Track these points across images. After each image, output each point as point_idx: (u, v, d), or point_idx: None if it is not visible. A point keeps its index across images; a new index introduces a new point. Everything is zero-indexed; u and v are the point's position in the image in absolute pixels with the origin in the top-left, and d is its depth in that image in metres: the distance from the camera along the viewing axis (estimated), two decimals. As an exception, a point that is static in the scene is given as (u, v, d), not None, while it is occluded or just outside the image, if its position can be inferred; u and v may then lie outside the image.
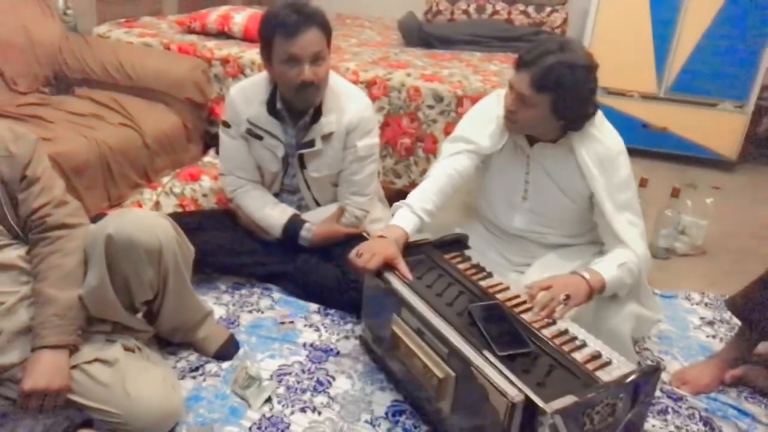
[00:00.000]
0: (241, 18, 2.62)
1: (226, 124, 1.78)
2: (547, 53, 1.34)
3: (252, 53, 2.43)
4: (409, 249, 1.44)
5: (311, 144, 1.71)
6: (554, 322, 1.26)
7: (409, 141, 2.27)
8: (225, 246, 1.76)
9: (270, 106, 1.70)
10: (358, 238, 1.77)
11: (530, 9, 3.37)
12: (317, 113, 1.69)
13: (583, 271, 1.38)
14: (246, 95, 1.74)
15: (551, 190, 1.53)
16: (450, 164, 1.54)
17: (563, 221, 1.56)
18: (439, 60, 2.59)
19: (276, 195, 1.85)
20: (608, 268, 1.39)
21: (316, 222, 1.77)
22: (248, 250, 1.79)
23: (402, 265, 1.35)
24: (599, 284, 1.37)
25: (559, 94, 1.34)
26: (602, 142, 1.45)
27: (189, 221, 1.72)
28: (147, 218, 1.31)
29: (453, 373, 1.15)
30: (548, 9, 3.37)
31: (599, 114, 1.47)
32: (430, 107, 2.23)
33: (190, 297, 1.44)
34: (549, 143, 1.49)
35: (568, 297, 1.30)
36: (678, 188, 2.25)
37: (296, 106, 1.68)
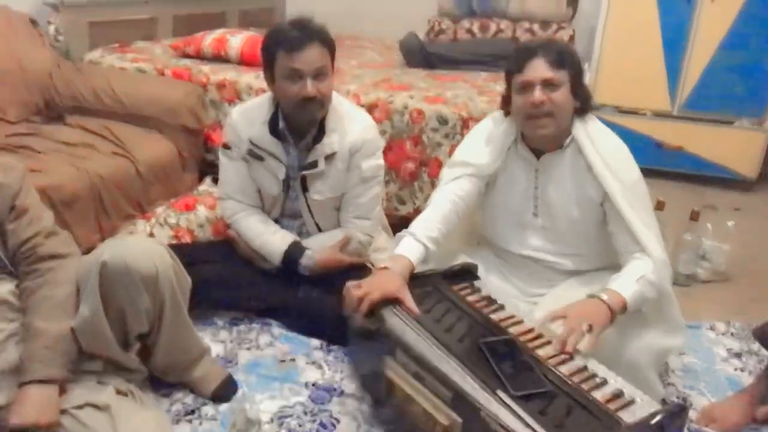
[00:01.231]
0: (238, 41, 2.65)
1: (227, 146, 1.80)
2: (539, 42, 1.47)
3: (249, 77, 2.46)
4: (416, 280, 1.43)
5: (314, 165, 1.72)
6: (572, 358, 1.24)
7: (413, 166, 2.28)
8: (222, 278, 1.75)
9: (272, 126, 1.73)
10: (362, 268, 1.76)
11: (535, 26, 3.41)
12: (320, 133, 1.71)
13: (600, 293, 1.36)
14: (248, 116, 1.77)
15: (563, 201, 1.54)
16: (452, 189, 1.56)
17: (578, 236, 1.56)
18: (442, 81, 2.61)
19: (276, 221, 1.86)
20: (627, 284, 1.38)
21: (318, 249, 1.77)
22: (247, 282, 1.78)
23: (407, 299, 1.34)
24: (620, 305, 1.35)
25: (573, 67, 1.45)
26: (607, 140, 1.50)
27: (185, 253, 1.70)
28: (143, 244, 1.32)
29: (459, 419, 1.13)
30: (554, 26, 3.40)
31: (597, 121, 1.53)
32: (434, 130, 2.24)
33: (186, 331, 1.44)
34: (556, 151, 1.51)
35: (590, 327, 1.28)
36: (697, 211, 2.24)
37: (299, 123, 1.70)
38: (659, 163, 3.26)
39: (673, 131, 3.23)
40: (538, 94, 1.42)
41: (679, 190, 3.16)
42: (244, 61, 2.62)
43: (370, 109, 2.27)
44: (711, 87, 3.13)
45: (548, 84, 1.42)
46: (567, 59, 1.44)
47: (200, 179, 2.43)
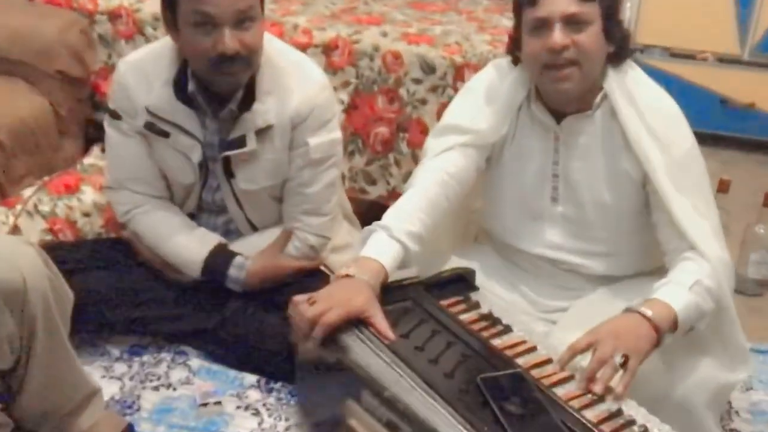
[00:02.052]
0: (139, -49, 2.61)
1: (115, 115, 1.77)
2: None
3: (155, 3, 2.31)
4: (391, 293, 1.43)
5: (241, 143, 1.71)
6: (602, 399, 1.26)
7: (386, 131, 2.27)
8: (118, 291, 1.74)
9: (179, 88, 1.70)
10: (315, 275, 1.77)
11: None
12: (248, 98, 1.69)
13: (641, 306, 1.37)
14: (143, 72, 1.73)
15: (591, 181, 1.55)
16: (440, 166, 1.56)
17: (610, 229, 1.58)
18: (428, 12, 2.59)
19: (192, 216, 1.85)
20: (677, 293, 1.39)
21: (252, 254, 1.77)
22: (153, 297, 1.78)
23: (378, 319, 1.35)
24: (668, 321, 1.36)
25: None
26: (651, 97, 1.51)
27: (64, 256, 1.70)
28: (2, 245, 1.30)
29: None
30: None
31: (638, 70, 1.55)
32: (417, 81, 2.23)
33: (67, 364, 1.43)
34: (582, 113, 1.53)
35: (626, 359, 1.30)
36: (773, 194, 2.29)
37: (216, 87, 1.67)
38: (723, 127, 3.32)
39: (742, 83, 3.28)
40: (558, 35, 1.43)
41: (750, 164, 3.22)
42: (148, -20, 2.57)
43: (328, 50, 2.25)
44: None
45: (572, 21, 1.43)
46: None
47: (86, 148, 2.39)
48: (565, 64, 1.45)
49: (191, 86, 1.68)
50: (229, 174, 1.75)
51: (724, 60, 3.30)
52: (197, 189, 1.79)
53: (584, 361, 1.32)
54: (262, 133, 1.71)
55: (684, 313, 1.37)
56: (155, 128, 1.73)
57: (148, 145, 1.77)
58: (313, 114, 1.72)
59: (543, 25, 1.45)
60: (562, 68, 1.45)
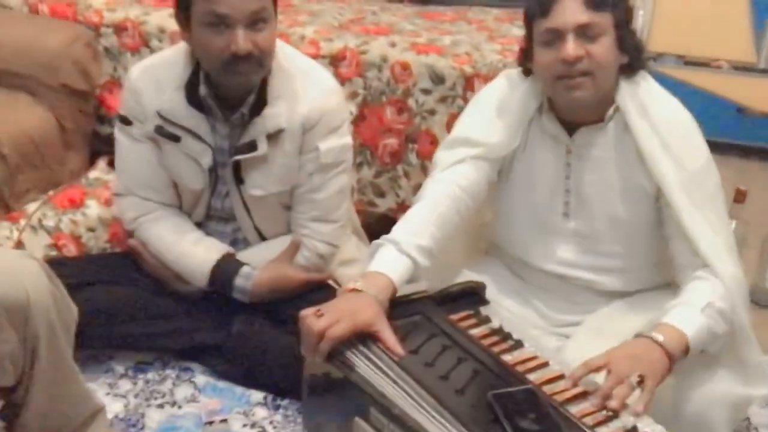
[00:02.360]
0: (145, -37, 2.63)
1: (126, 121, 1.79)
2: None
3: (161, 16, 2.42)
4: (399, 307, 1.43)
5: (252, 147, 1.72)
6: (616, 416, 1.25)
7: (395, 142, 2.27)
8: (122, 307, 1.75)
9: (190, 93, 1.72)
10: (322, 289, 1.77)
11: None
12: (260, 102, 1.70)
13: (653, 332, 1.37)
14: (155, 78, 1.75)
15: (604, 195, 1.55)
16: (450, 179, 1.55)
17: (624, 244, 1.57)
18: (437, 22, 2.60)
19: (199, 225, 1.85)
20: (688, 316, 1.39)
21: (259, 265, 1.77)
22: (157, 312, 1.78)
23: (387, 334, 1.34)
24: (681, 346, 1.36)
25: (618, 6, 1.47)
26: (665, 108, 1.52)
27: (69, 271, 1.69)
28: (7, 259, 1.30)
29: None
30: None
31: (652, 81, 1.55)
32: (426, 92, 2.24)
33: (71, 382, 1.42)
34: (596, 124, 1.53)
35: (641, 379, 1.29)
36: (790, 203, 2.28)
37: (228, 91, 1.69)
38: (739, 136, 3.31)
39: (759, 91, 3.28)
40: (571, 46, 1.42)
41: (766, 173, 3.20)
42: (153, -8, 2.59)
43: (335, 61, 2.26)
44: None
45: (584, 32, 1.43)
46: None
47: (91, 162, 2.40)
48: (577, 75, 1.45)
49: (203, 90, 1.70)
50: (239, 180, 1.76)
51: (739, 68, 3.29)
52: (206, 195, 1.80)
53: (598, 378, 1.31)
54: (273, 137, 1.72)
55: (696, 337, 1.37)
56: (166, 132, 1.74)
57: (159, 151, 1.78)
58: (323, 119, 1.73)
59: (555, 36, 1.44)
60: (575, 78, 1.45)
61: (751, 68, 3.28)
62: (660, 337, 1.35)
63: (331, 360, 1.32)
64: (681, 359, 1.36)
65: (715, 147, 1.55)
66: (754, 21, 3.23)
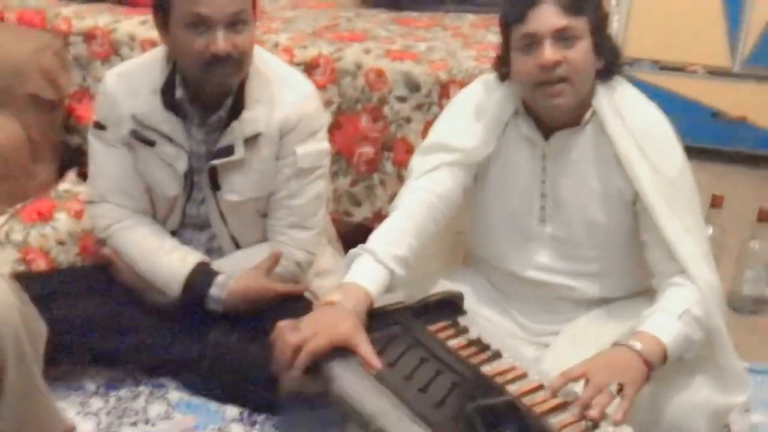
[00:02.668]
0: (115, -30, 2.62)
1: (100, 126, 1.79)
2: None
3: (132, 23, 2.41)
4: (377, 319, 1.43)
5: (229, 151, 1.72)
6: (596, 426, 1.25)
7: (371, 150, 2.27)
8: (93, 321, 1.73)
9: (166, 96, 1.72)
10: (299, 301, 1.76)
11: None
12: (237, 106, 1.71)
13: (631, 340, 1.38)
14: (130, 82, 1.76)
15: (581, 200, 1.56)
16: (426, 187, 1.56)
17: (603, 249, 1.58)
18: (412, 28, 2.61)
19: (174, 233, 1.85)
20: (665, 324, 1.40)
21: (235, 274, 1.76)
22: (129, 325, 1.76)
23: (364, 347, 1.33)
24: (658, 354, 1.37)
25: (595, 10, 1.49)
26: (641, 113, 1.53)
27: (37, 286, 1.68)
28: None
29: None
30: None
31: (628, 86, 1.57)
32: (401, 99, 2.24)
33: (40, 402, 1.41)
34: (572, 128, 1.54)
35: (621, 387, 1.30)
36: (767, 208, 2.30)
37: (205, 91, 1.69)
38: (715, 140, 3.35)
39: (733, 95, 3.32)
40: (549, 51, 1.43)
41: (743, 177, 3.25)
42: None
43: (309, 69, 2.25)
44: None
45: (562, 36, 1.44)
46: (586, 1, 1.46)
47: (60, 174, 2.38)
48: (556, 81, 1.46)
49: (179, 93, 1.70)
50: (215, 185, 1.76)
51: (714, 73, 3.34)
52: (181, 202, 1.80)
53: (577, 387, 1.31)
54: (250, 141, 1.73)
55: (673, 345, 1.39)
56: (140, 136, 1.74)
57: (133, 157, 1.78)
58: (301, 123, 1.74)
59: (532, 42, 1.45)
60: (554, 84, 1.46)
61: (725, 73, 3.33)
62: (638, 345, 1.36)
63: (308, 374, 1.31)
64: (659, 367, 1.38)
65: (690, 152, 1.57)
66: (729, 26, 3.27)
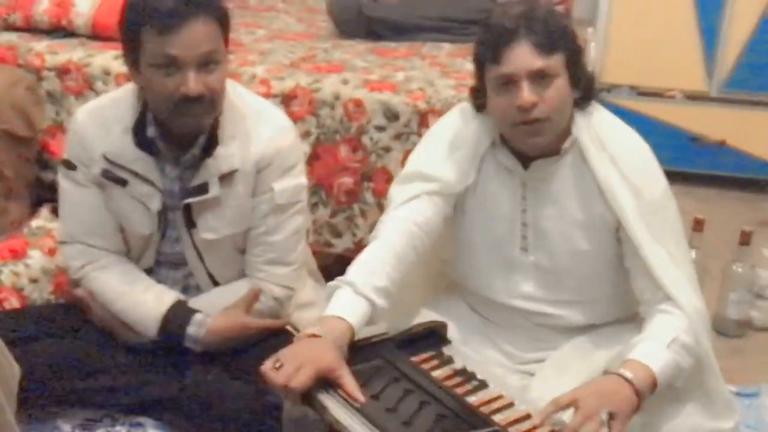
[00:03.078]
0: (88, 4, 2.63)
1: (70, 165, 1.77)
2: (518, 13, 1.46)
3: (106, 58, 2.42)
4: (358, 351, 1.42)
5: (204, 189, 1.71)
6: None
7: (351, 180, 2.28)
8: (68, 362, 1.71)
9: (138, 134, 1.70)
10: (279, 335, 1.74)
11: (519, -22, 3.50)
12: (211, 143, 1.70)
13: (621, 368, 1.38)
14: (101, 119, 1.74)
15: (563, 228, 1.56)
16: (406, 216, 1.56)
17: (587, 277, 1.58)
18: (390, 58, 2.64)
19: (149, 272, 1.83)
20: (654, 352, 1.40)
21: (213, 312, 1.75)
22: (105, 366, 1.74)
23: (347, 380, 1.33)
24: (648, 383, 1.37)
25: (569, 45, 1.49)
26: (620, 139, 1.54)
27: (10, 325, 1.68)
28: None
29: None
30: (544, -23, 3.51)
31: (604, 110, 1.58)
32: (380, 129, 2.25)
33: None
34: (551, 157, 1.54)
35: (611, 416, 1.29)
36: (749, 231, 2.32)
37: (178, 132, 1.69)
38: (694, 164, 3.38)
39: (712, 120, 3.36)
40: (526, 94, 1.44)
41: (724, 201, 3.28)
42: (97, 34, 2.59)
43: (287, 100, 2.27)
44: (764, 56, 3.26)
45: (538, 76, 1.45)
46: (559, 36, 1.47)
47: (34, 210, 2.37)
48: (536, 117, 1.46)
49: (151, 131, 1.69)
50: (190, 223, 1.74)
51: (692, 97, 3.38)
52: (155, 241, 1.78)
53: (565, 416, 1.31)
54: (226, 178, 1.71)
55: (662, 373, 1.39)
56: (112, 176, 1.73)
57: (105, 196, 1.76)
58: (277, 158, 1.73)
59: (509, 82, 1.46)
60: (532, 124, 1.46)
61: (703, 97, 3.37)
62: (629, 374, 1.36)
63: (307, 403, 1.32)
64: (649, 396, 1.37)
65: (671, 176, 1.58)
66: (705, 50, 3.32)
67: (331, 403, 1.31)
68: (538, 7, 1.47)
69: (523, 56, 1.44)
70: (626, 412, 1.32)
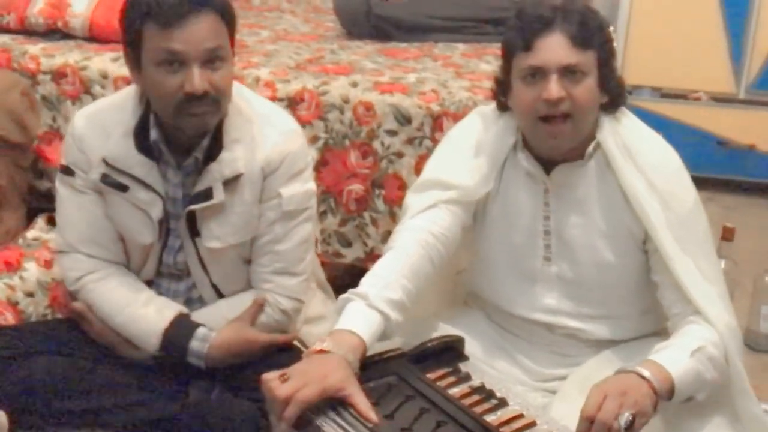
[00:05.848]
0: (84, 4, 2.64)
1: (68, 171, 1.77)
2: (555, 3, 1.47)
3: (104, 60, 2.43)
4: (371, 368, 1.42)
5: (208, 195, 1.71)
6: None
7: (361, 187, 2.28)
8: (65, 380, 1.71)
9: (139, 139, 1.71)
10: (287, 351, 1.74)
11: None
12: (216, 146, 1.70)
13: (639, 367, 1.38)
14: (101, 123, 1.75)
15: (588, 238, 1.56)
16: (422, 225, 1.56)
17: (613, 290, 1.58)
18: (400, 59, 2.64)
19: (150, 284, 1.83)
20: (676, 357, 1.40)
21: (217, 325, 1.75)
22: (104, 383, 1.74)
23: (358, 398, 1.32)
24: (665, 385, 1.36)
25: (603, 46, 1.50)
26: (649, 147, 1.54)
27: (4, 342, 1.68)
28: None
29: None
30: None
31: (632, 116, 1.58)
32: (392, 133, 2.26)
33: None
34: (575, 162, 1.54)
35: (633, 418, 1.28)
36: (781, 240, 2.32)
37: (181, 135, 1.69)
38: (722, 170, 3.37)
39: (740, 123, 3.35)
40: (554, 87, 1.44)
41: (754, 208, 3.26)
42: (95, 35, 2.61)
43: (293, 104, 2.27)
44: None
45: (568, 71, 1.45)
46: (595, 34, 1.48)
47: (29, 220, 2.37)
48: (559, 117, 1.46)
49: (154, 134, 1.70)
50: (194, 232, 1.74)
51: (719, 99, 3.37)
52: (157, 250, 1.78)
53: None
54: (231, 183, 1.71)
55: (682, 379, 1.38)
56: (112, 181, 1.73)
57: (104, 203, 1.77)
58: (285, 162, 1.73)
59: (537, 73, 1.46)
60: (556, 121, 1.47)
61: (731, 99, 3.36)
62: (645, 372, 1.36)
63: (299, 428, 1.29)
64: (665, 400, 1.37)
65: (697, 182, 1.57)
66: (732, 50, 3.31)
67: (332, 429, 1.29)
68: (576, 0, 1.48)
69: (556, 48, 1.44)
70: (646, 412, 1.31)
